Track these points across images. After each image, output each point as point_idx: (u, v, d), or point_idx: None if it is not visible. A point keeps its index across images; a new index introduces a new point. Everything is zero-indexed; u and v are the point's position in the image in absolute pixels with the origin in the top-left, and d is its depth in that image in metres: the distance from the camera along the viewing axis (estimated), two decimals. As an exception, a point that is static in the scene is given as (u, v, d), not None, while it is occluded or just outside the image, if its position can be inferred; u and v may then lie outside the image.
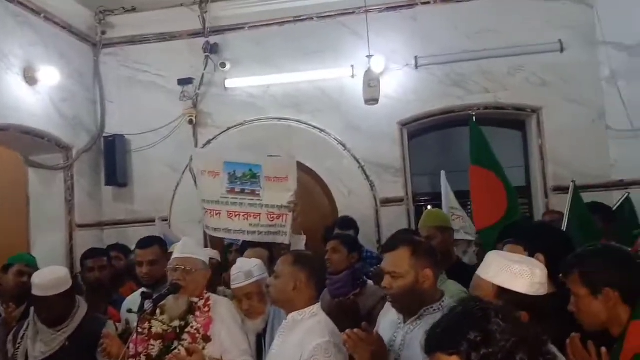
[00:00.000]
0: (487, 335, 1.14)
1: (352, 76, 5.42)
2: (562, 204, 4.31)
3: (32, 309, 2.98)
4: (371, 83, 4.96)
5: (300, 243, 3.13)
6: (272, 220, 3.32)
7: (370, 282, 3.32)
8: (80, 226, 5.39)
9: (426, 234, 3.36)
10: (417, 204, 5.72)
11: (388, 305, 2.27)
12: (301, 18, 5.56)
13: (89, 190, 5.57)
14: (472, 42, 5.33)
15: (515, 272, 1.66)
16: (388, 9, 5.45)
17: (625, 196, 4.53)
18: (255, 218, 3.36)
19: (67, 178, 5.36)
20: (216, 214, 3.41)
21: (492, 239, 3.36)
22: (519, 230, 2.56)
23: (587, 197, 4.52)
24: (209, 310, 2.70)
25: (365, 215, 5.35)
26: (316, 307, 2.35)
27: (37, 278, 2.85)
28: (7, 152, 5.37)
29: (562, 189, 4.72)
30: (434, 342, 1.21)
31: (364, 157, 5.45)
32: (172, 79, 5.65)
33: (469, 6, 5.34)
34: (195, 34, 5.68)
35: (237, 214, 3.39)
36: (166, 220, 5.55)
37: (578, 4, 5.20)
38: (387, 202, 5.41)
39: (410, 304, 2.03)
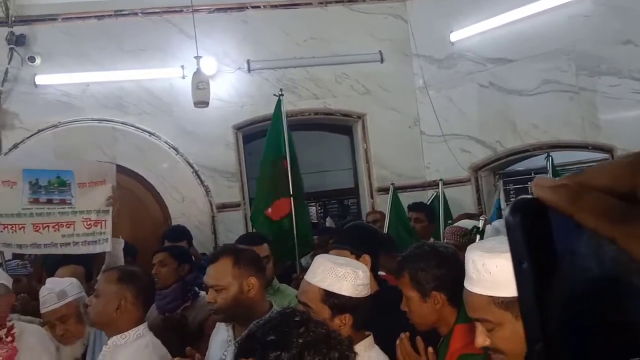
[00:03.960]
0: (281, 338, 1.24)
1: (183, 77, 5.20)
2: (386, 203, 4.67)
3: None
4: (200, 85, 4.80)
5: (118, 247, 2.81)
6: (89, 228, 2.89)
7: (202, 293, 3.18)
8: None
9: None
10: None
11: (218, 325, 2.18)
12: (123, 13, 5.18)
13: None
14: (302, 49, 5.48)
15: (340, 275, 1.68)
16: (218, 10, 5.35)
17: (434, 195, 5.06)
18: (69, 227, 2.89)
19: None
20: (19, 228, 2.89)
21: None
22: (342, 234, 2.63)
23: (406, 196, 4.97)
24: (12, 340, 2.33)
25: (201, 222, 5.18)
26: (142, 328, 2.14)
27: None
28: None
29: (385, 190, 5.09)
30: (237, 350, 1.30)
31: (198, 161, 5.27)
32: (-34, 73, 4.86)
33: (297, 13, 5.49)
34: (-4, 23, 4.95)
35: (45, 225, 2.89)
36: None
37: (395, 18, 5.66)
38: (223, 207, 5.30)
39: (237, 316, 1.96)
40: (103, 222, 2.95)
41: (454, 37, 5.37)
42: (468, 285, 1.30)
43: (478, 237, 2.64)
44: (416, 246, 1.98)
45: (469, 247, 1.34)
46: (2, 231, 2.86)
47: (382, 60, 5.59)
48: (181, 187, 5.23)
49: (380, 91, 5.61)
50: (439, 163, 5.54)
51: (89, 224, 2.96)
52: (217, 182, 5.33)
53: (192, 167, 5.27)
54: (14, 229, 2.87)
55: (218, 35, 5.31)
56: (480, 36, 5.23)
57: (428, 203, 4.90)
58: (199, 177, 5.28)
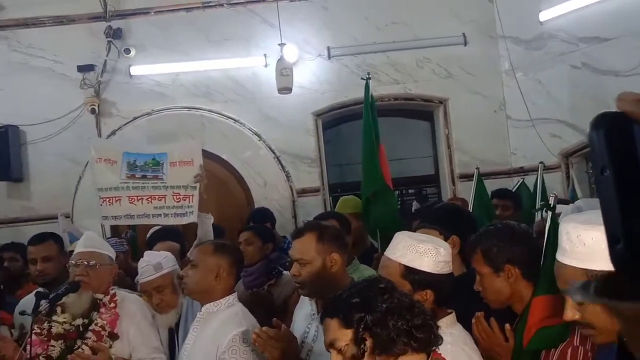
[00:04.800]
0: (365, 301, 1.27)
1: (265, 65, 5.34)
2: (468, 190, 4.56)
3: None
4: (283, 72, 4.92)
5: (207, 222, 3.00)
6: (179, 201, 3.14)
7: (285, 272, 3.29)
8: (-31, 225, 4.90)
9: (341, 220, 3.38)
10: (333, 194, 5.77)
11: (302, 299, 2.25)
12: (210, 4, 5.40)
13: (-22, 186, 5.08)
14: (382, 34, 5.44)
15: (421, 251, 1.68)
16: (299, -2, 5.43)
17: (520, 182, 4.85)
18: (160, 200, 3.15)
19: (-49, 173, 4.85)
20: (115, 201, 3.18)
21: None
22: (431, 214, 2.61)
23: (490, 183, 4.81)
24: (115, 306, 2.54)
25: (282, 206, 5.32)
26: (232, 298, 2.27)
27: None
28: None
29: (467, 176, 4.97)
30: (323, 311, 1.36)
31: (279, 147, 5.41)
32: (71, 65, 5.27)
33: (378, -2, 5.46)
34: (95, 18, 5.33)
35: (139, 197, 3.17)
36: (68, 217, 5.19)
37: (480, -1, 5.48)
38: (303, 192, 5.41)
39: (320, 290, 2.01)
40: (190, 197, 3.18)
41: (543, 16, 5.10)
42: (560, 257, 1.26)
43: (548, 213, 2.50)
44: (488, 225, 1.99)
45: (563, 219, 1.30)
46: (101, 204, 3.16)
47: (465, 43, 5.43)
48: (263, 172, 5.40)
49: (464, 75, 5.45)
50: (525, 149, 5.31)
51: (178, 198, 3.20)
52: (298, 167, 5.44)
53: (273, 152, 5.41)
54: (111, 201, 3.17)
55: (299, 23, 5.40)
56: (571, 15, 4.93)
57: (513, 190, 4.70)
58: (280, 162, 5.42)
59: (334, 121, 5.81)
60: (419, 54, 5.44)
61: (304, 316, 2.14)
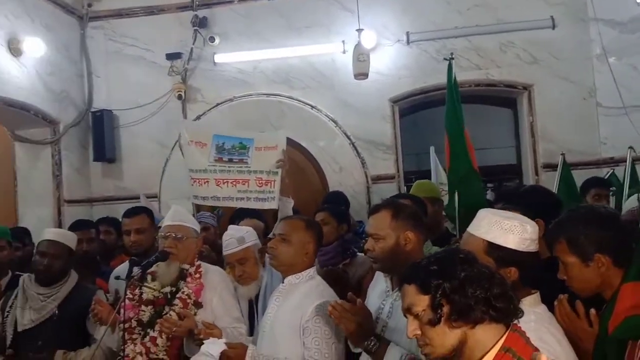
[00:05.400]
0: (444, 268, 1.28)
1: (343, 52, 5.37)
2: (552, 181, 4.36)
3: (21, 278, 2.97)
4: (360, 57, 4.92)
5: (288, 206, 3.09)
6: (261, 187, 3.26)
7: (360, 253, 3.32)
8: (69, 202, 5.33)
9: (415, 204, 3.34)
10: (408, 184, 5.72)
11: (377, 276, 2.27)
12: (291, -8, 5.50)
13: (77, 165, 5.50)
14: (464, 18, 5.30)
15: (506, 228, 1.63)
16: (379, -17, 5.40)
17: (610, 172, 4.57)
18: (244, 184, 3.30)
19: (55, 153, 5.28)
20: (204, 183, 3.36)
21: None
22: (515, 196, 2.52)
23: (577, 174, 4.55)
24: (200, 277, 2.69)
25: (357, 192, 5.35)
26: (313, 270, 2.35)
27: (48, 231, 3.07)
28: (-7, 126, 5.29)
29: (552, 166, 4.75)
30: (402, 277, 1.37)
31: (355, 133, 5.44)
32: (161, 53, 5.57)
33: (460, -19, 5.31)
34: (183, 7, 5.59)
35: (225, 181, 3.33)
36: (155, 197, 5.52)
37: (570, -20, 5.19)
38: (378, 179, 5.41)
39: (394, 266, 2.01)
40: (272, 182, 3.28)
41: (642, -4, 4.76)
42: None
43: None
44: (570, 210, 1.84)
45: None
46: (192, 184, 3.35)
47: (553, 26, 5.17)
48: (339, 158, 5.45)
49: (551, 60, 5.20)
50: (617, 138, 4.98)
51: (261, 183, 3.31)
52: (373, 154, 5.44)
53: (349, 139, 5.44)
54: (200, 183, 3.35)
55: (378, 8, 5.37)
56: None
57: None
58: (355, 149, 5.44)
59: (411, 108, 5.75)
60: (502, 38, 5.25)
61: (379, 293, 2.16)
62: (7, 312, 2.89)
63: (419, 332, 1.29)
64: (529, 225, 1.65)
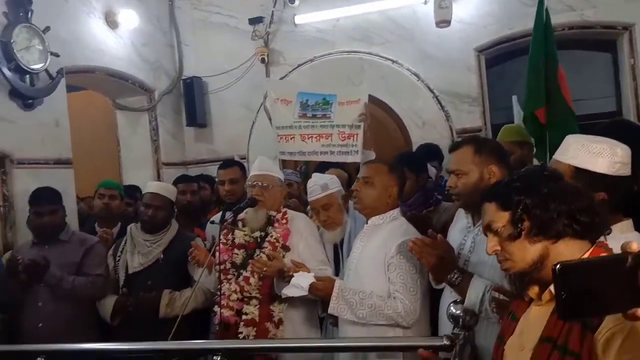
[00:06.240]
0: (527, 185, 1.25)
1: (425, 2, 5.21)
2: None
3: (128, 227, 3.27)
4: (442, 4, 4.77)
5: (370, 157, 3.13)
6: (344, 140, 3.34)
7: (444, 201, 3.29)
8: (166, 164, 5.72)
9: (503, 148, 3.23)
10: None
11: (457, 215, 2.26)
12: (369, -55, 5.38)
13: (172, 130, 5.86)
14: (555, -45, 4.93)
15: (595, 152, 1.57)
16: None
17: None
18: (327, 138, 3.40)
19: (152, 119, 5.66)
20: (290, 139, 3.50)
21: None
22: (597, 130, 2.36)
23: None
24: (286, 223, 2.82)
25: (441, 146, 5.22)
26: (396, 212, 2.39)
27: (151, 184, 3.40)
28: (98, 97, 5.74)
29: (658, 111, 4.39)
30: (482, 196, 1.37)
31: (438, 86, 5.30)
32: (244, 19, 5.72)
33: None
34: (263, -29, 5.68)
35: (309, 136, 3.45)
36: (244, 159, 5.77)
37: None
38: (464, 132, 5.25)
39: (476, 203, 1.99)
40: (355, 135, 3.34)
41: None
42: None
43: None
44: None
45: None
46: (279, 141, 3.50)
47: (657, -44, 4.69)
48: (422, 112, 5.36)
49: (655, -7, 4.73)
50: None
51: (344, 136, 3.38)
52: (458, 107, 5.29)
53: (432, 92, 5.32)
54: (286, 139, 3.49)
55: (461, -47, 5.13)
56: None
57: None
58: (439, 102, 5.32)
59: (495, 59, 5.49)
60: (598, -26, 4.84)
61: (460, 229, 2.16)
62: (119, 257, 3.21)
63: (498, 247, 1.28)
64: (619, 148, 1.58)
